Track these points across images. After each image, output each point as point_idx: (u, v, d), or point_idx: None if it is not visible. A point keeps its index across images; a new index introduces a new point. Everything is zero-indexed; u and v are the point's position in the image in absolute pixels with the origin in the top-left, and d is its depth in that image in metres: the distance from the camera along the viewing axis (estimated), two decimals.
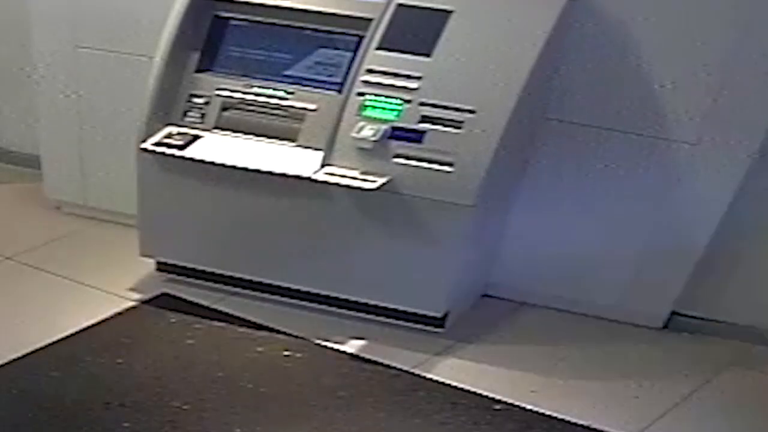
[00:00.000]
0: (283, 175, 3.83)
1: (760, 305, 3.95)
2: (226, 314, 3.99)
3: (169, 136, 4.00)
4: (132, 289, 4.13)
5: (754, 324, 3.97)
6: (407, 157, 3.76)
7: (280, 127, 3.95)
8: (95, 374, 3.62)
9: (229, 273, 4.09)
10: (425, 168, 3.73)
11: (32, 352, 3.70)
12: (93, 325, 3.89)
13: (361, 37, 3.91)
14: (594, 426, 3.48)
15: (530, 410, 3.53)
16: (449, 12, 3.84)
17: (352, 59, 3.92)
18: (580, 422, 3.49)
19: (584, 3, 3.83)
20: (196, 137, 3.99)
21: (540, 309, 4.12)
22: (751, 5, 3.67)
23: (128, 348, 3.77)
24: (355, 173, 3.78)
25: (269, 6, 4.03)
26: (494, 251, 4.13)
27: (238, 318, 3.96)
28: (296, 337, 3.86)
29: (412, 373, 3.70)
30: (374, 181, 3.75)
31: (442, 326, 3.94)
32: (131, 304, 4.05)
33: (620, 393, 3.66)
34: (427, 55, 3.81)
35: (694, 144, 3.81)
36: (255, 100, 4.00)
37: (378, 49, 3.87)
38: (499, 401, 3.57)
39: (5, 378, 3.58)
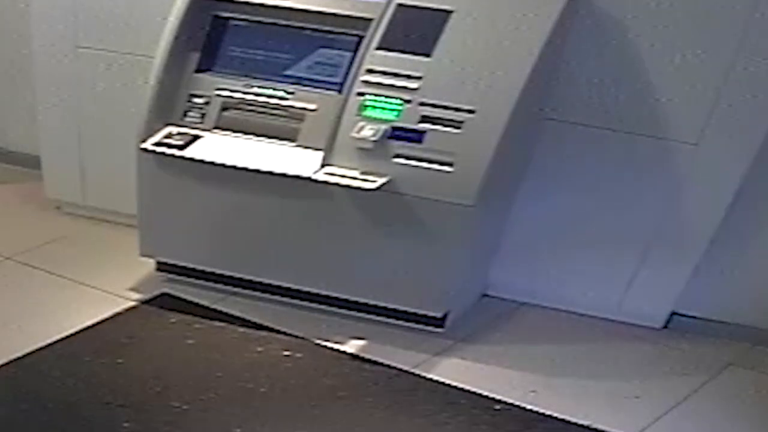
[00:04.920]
0: (283, 175, 3.83)
1: (760, 305, 3.95)
2: (226, 314, 3.99)
3: (169, 136, 4.00)
4: (132, 289, 4.13)
5: (754, 324, 3.97)
6: (407, 157, 3.76)
7: (280, 127, 3.95)
8: (95, 374, 3.62)
9: (229, 273, 4.09)
10: (425, 168, 3.73)
11: (32, 352, 3.70)
12: (93, 325, 3.89)
13: (361, 37, 3.91)
14: (594, 426, 3.48)
15: (530, 410, 3.53)
16: (449, 12, 3.84)
17: (352, 59, 3.92)
18: (580, 422, 3.49)
19: (584, 3, 3.83)
20: (196, 137, 3.99)
21: (540, 309, 4.12)
22: (752, 5, 3.67)
23: (128, 348, 3.77)
24: (355, 173, 3.78)
25: (269, 6, 4.03)
26: (494, 251, 4.13)
27: (238, 318, 3.96)
28: (296, 337, 3.86)
29: (412, 373, 3.70)
30: (374, 181, 3.75)
31: (442, 326, 3.94)
32: (131, 304, 4.05)
33: (620, 393, 3.66)
34: (427, 55, 3.81)
35: (695, 144, 3.81)
36: (255, 100, 4.00)
37: (378, 49, 3.87)
38: (499, 401, 3.57)
39: (5, 377, 3.58)
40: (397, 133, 3.78)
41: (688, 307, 4.02)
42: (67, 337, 3.81)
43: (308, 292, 4.02)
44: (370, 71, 3.85)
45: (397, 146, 3.77)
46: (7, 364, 3.64)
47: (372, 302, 3.94)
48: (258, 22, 4.08)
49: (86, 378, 3.60)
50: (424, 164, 3.74)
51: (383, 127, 3.78)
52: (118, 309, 4.00)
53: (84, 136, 4.58)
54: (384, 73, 3.84)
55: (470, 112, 3.72)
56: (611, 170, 3.94)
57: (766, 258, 3.92)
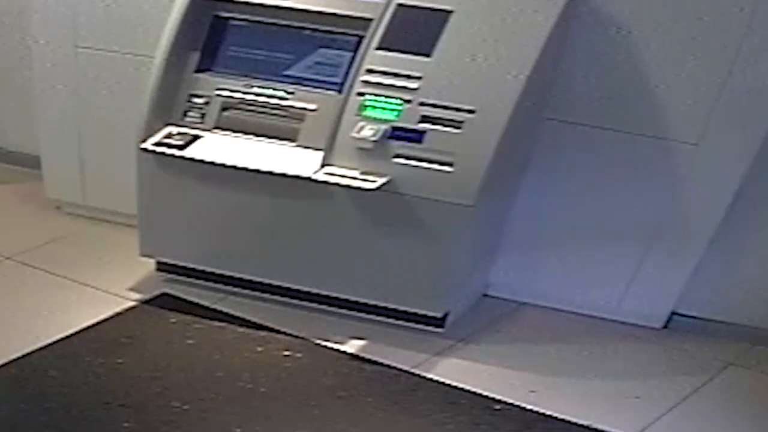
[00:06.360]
0: (283, 175, 3.83)
1: (760, 305, 3.95)
2: (226, 314, 3.99)
3: (169, 136, 4.00)
4: (132, 289, 4.13)
5: (754, 324, 3.97)
6: (407, 157, 3.76)
7: (280, 127, 3.95)
8: (95, 374, 3.62)
9: (229, 273, 4.09)
10: (425, 168, 3.73)
11: (32, 352, 3.70)
12: (93, 325, 3.89)
13: (361, 37, 3.91)
14: (594, 426, 3.48)
15: (530, 410, 3.54)
16: (449, 12, 3.84)
17: (352, 59, 3.92)
18: (580, 422, 3.49)
19: (584, 3, 3.83)
20: (196, 137, 3.99)
21: (540, 309, 4.12)
22: (752, 5, 3.67)
23: (128, 348, 3.77)
24: (355, 173, 3.78)
25: (269, 6, 4.03)
26: (494, 251, 4.13)
27: (238, 318, 3.96)
28: (296, 337, 3.86)
29: (412, 373, 3.70)
30: (374, 181, 3.75)
31: (442, 326, 3.94)
32: (131, 304, 4.05)
33: (620, 393, 3.66)
34: (427, 55, 3.81)
35: (695, 144, 3.81)
36: (255, 100, 4.00)
37: (378, 49, 3.87)
38: (499, 401, 3.57)
39: (5, 377, 3.58)
40: (397, 133, 3.78)
41: (688, 307, 4.02)
42: (67, 337, 3.81)
43: (308, 292, 4.02)
44: (370, 71, 3.85)
45: (397, 146, 3.77)
46: (7, 364, 3.64)
47: (372, 302, 3.94)
48: (258, 22, 4.08)
49: (86, 378, 3.60)
50: (424, 164, 3.74)
51: (383, 127, 3.78)
52: (118, 309, 4.00)
53: (84, 136, 4.58)
54: (384, 73, 3.84)
55: (470, 112, 3.72)
56: (611, 170, 3.94)
57: (766, 258, 3.92)
